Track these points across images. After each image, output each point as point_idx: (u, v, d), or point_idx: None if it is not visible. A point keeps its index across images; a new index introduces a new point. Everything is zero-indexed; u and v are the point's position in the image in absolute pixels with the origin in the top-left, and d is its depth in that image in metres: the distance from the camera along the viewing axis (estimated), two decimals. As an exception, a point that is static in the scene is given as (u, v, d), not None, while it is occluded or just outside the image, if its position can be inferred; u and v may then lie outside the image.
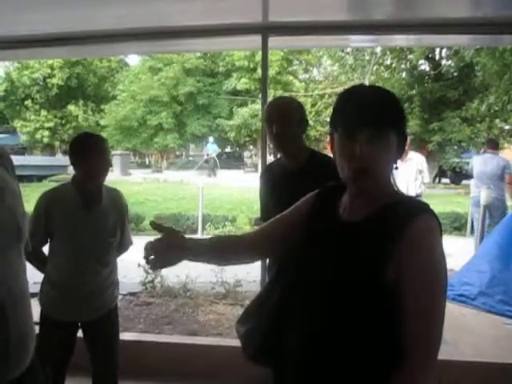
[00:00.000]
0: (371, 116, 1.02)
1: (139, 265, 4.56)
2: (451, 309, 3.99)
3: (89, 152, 2.12)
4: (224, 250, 1.30)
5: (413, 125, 14.09)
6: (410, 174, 5.28)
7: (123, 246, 2.39)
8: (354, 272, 1.02)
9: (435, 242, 1.01)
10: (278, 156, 2.23)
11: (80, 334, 2.31)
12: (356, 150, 1.02)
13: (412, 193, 5.06)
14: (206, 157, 19.50)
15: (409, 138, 5.59)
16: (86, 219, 2.17)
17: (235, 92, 21.21)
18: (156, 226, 1.20)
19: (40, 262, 2.23)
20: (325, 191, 1.25)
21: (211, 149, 19.57)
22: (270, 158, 3.25)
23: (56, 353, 2.17)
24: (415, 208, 1.05)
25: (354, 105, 1.06)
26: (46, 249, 2.29)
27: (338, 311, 1.04)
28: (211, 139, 20.03)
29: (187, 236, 1.24)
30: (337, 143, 1.08)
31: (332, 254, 1.08)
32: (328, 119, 1.17)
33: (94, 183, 2.19)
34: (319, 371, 1.07)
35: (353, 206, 1.12)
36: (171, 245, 1.18)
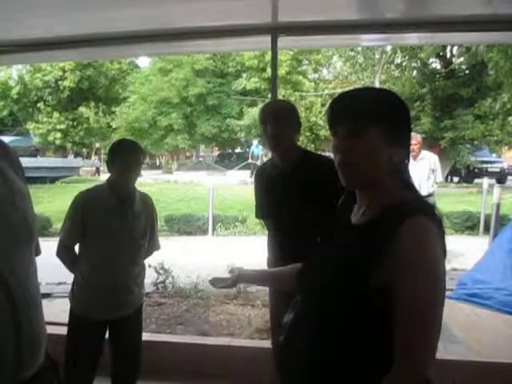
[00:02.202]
0: (346, 112, 1.06)
1: (149, 265, 4.60)
2: (464, 309, 3.96)
3: (127, 152, 2.22)
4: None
5: (425, 123, 13.98)
6: (423, 174, 5.23)
7: (150, 249, 2.44)
8: (349, 274, 1.02)
9: (428, 244, 0.98)
10: (270, 156, 2.31)
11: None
12: (335, 146, 1.07)
13: (424, 192, 5.01)
14: (250, 160, 19.57)
15: (420, 137, 5.50)
16: (121, 221, 2.23)
17: (245, 92, 21.23)
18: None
19: (71, 261, 2.30)
20: (345, 197, 1.25)
21: (256, 152, 19.65)
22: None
23: (90, 352, 2.23)
24: (411, 209, 1.01)
25: (334, 105, 1.10)
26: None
27: (332, 313, 1.04)
28: (255, 142, 20.03)
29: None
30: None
31: (334, 256, 1.10)
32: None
33: (126, 183, 2.26)
34: (316, 372, 1.07)
35: (360, 208, 1.12)
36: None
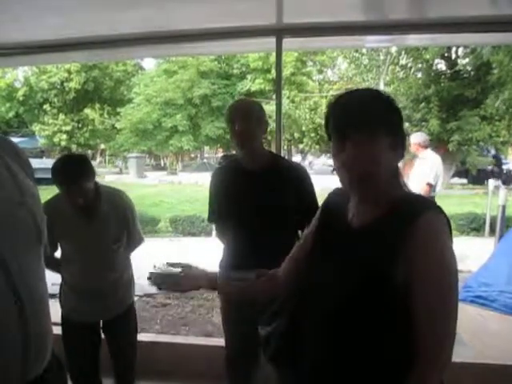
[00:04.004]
0: (356, 121, 1.02)
1: (155, 266, 4.61)
2: (469, 311, 3.94)
3: (59, 179, 2.07)
4: (256, 287, 1.33)
5: (433, 125, 13.90)
6: (421, 173, 5.06)
7: (131, 245, 2.36)
8: (365, 275, 1.02)
9: (442, 239, 1.00)
10: (230, 156, 2.25)
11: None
12: (345, 159, 1.03)
13: (423, 193, 4.87)
14: None
15: (426, 138, 5.34)
16: (86, 230, 2.15)
17: (250, 94, 21.23)
18: (173, 265, 1.30)
19: (54, 266, 2.24)
20: (332, 199, 1.25)
21: None
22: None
23: (81, 353, 2.23)
24: (420, 206, 1.04)
25: (335, 115, 1.08)
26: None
27: (349, 314, 1.04)
28: None
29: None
30: (332, 153, 1.09)
31: (341, 258, 1.09)
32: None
33: (77, 203, 2.10)
34: (333, 372, 1.07)
35: (360, 211, 1.11)
36: (191, 276, 1.28)
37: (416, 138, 5.12)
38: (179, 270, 1.29)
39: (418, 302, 0.97)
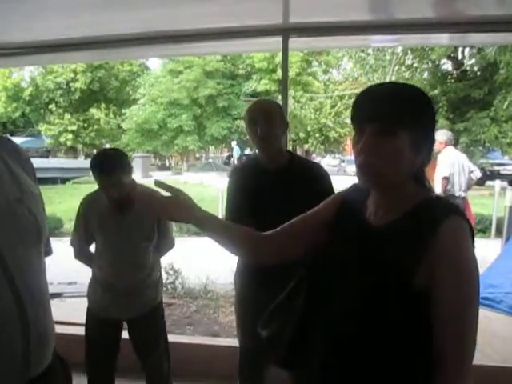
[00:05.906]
0: (377, 111, 1.00)
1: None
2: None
3: (95, 172, 2.12)
4: (239, 234, 1.29)
5: (443, 125, 13.83)
6: (438, 171, 4.94)
7: (163, 247, 2.39)
8: (382, 276, 0.99)
9: (466, 245, 0.98)
10: (250, 156, 2.22)
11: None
12: (361, 144, 1.01)
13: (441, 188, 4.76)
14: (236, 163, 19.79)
15: (450, 135, 5.16)
16: (119, 224, 2.21)
17: (255, 94, 21.24)
18: (161, 184, 1.20)
19: (87, 259, 2.35)
20: (351, 193, 1.22)
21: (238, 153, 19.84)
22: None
23: (101, 349, 2.27)
24: (444, 210, 1.01)
25: (365, 100, 1.05)
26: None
27: (364, 315, 1.01)
28: (234, 145, 20.22)
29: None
30: (352, 139, 1.07)
31: (359, 257, 1.06)
32: (348, 120, 1.16)
33: (111, 198, 2.18)
34: (345, 377, 1.04)
35: (379, 209, 1.09)
36: (178, 204, 1.19)
37: (439, 137, 4.88)
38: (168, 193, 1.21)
39: (438, 308, 0.95)
